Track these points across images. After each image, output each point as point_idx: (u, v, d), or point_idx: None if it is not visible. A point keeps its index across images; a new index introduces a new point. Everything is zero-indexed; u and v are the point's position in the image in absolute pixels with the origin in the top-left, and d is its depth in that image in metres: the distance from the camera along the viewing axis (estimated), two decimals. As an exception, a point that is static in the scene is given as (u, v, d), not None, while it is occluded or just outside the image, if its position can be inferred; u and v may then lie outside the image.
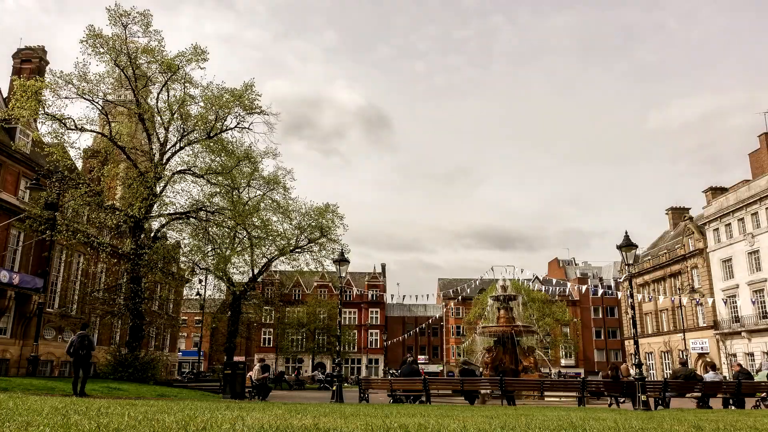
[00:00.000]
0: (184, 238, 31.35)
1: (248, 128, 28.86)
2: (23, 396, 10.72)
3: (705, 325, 50.60)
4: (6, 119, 27.92)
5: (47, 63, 34.98)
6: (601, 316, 79.31)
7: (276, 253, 33.68)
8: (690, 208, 59.70)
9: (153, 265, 28.90)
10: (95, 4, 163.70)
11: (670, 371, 52.09)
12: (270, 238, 32.60)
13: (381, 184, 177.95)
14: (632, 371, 18.70)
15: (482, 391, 20.11)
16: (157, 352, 42.17)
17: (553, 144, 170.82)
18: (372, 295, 77.70)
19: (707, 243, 50.71)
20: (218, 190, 29.25)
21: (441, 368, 74.69)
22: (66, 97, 24.89)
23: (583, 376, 60.55)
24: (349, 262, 21.49)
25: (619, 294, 68.52)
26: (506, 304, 30.30)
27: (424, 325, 73.08)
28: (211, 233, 30.19)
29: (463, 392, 19.16)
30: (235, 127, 28.69)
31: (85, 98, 25.32)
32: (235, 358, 36.12)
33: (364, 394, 20.13)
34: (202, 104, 27.73)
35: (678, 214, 60.92)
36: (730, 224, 47.99)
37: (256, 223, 30.92)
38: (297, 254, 34.15)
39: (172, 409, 8.10)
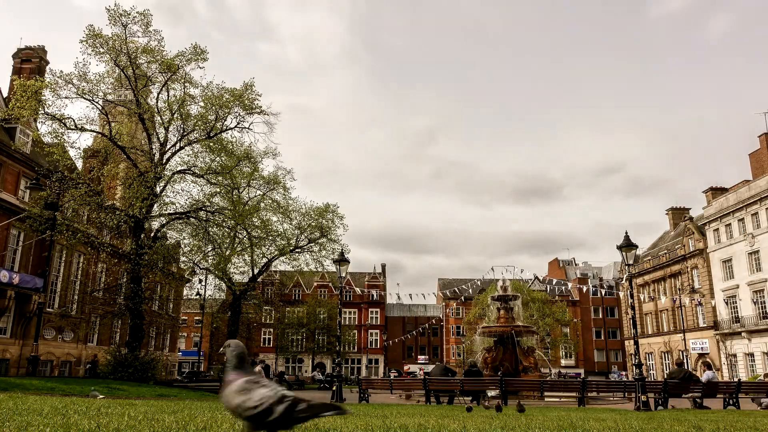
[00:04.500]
0: (184, 238, 31.37)
1: (248, 128, 28.88)
2: (23, 396, 10.71)
3: (705, 325, 50.59)
4: (6, 119, 27.91)
5: (47, 63, 35.01)
6: (601, 316, 79.29)
7: (276, 253, 33.67)
8: (690, 208, 59.78)
9: (153, 265, 28.89)
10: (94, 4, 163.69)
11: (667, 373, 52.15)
12: (270, 238, 32.60)
13: (382, 181, 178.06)
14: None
15: (489, 393, 20.47)
16: (157, 352, 42.16)
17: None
18: (372, 295, 77.66)
19: (707, 243, 50.70)
20: (218, 190, 29.23)
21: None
22: (66, 97, 24.89)
23: (583, 376, 60.61)
24: (349, 262, 21.50)
25: (620, 294, 68.52)
26: (506, 304, 30.30)
27: (426, 324, 73.08)
28: (211, 233, 30.17)
29: (464, 392, 19.41)
30: (235, 127, 28.70)
31: (85, 98, 25.31)
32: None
33: (364, 394, 20.16)
34: (202, 104, 27.74)
35: (678, 214, 60.92)
36: (730, 224, 47.97)
37: (256, 223, 30.92)
38: (297, 254, 34.15)
39: (172, 409, 8.10)
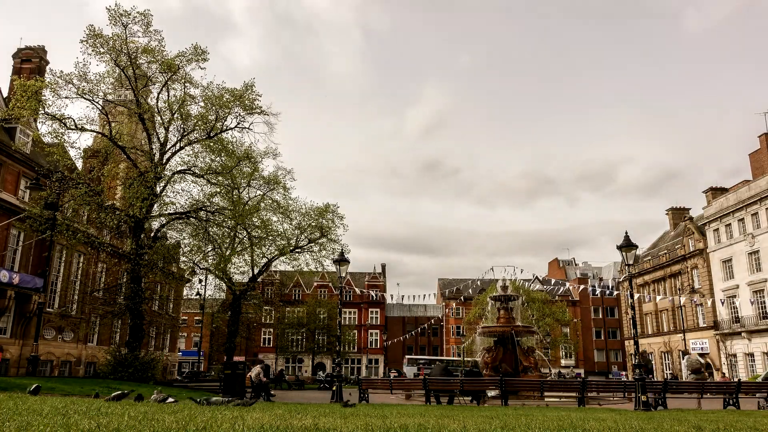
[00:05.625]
0: (184, 238, 31.39)
1: (248, 128, 28.88)
2: (23, 396, 10.72)
3: (705, 325, 50.58)
4: (6, 119, 27.91)
5: (47, 63, 35.01)
6: (601, 316, 79.29)
7: (276, 253, 33.68)
8: (690, 209, 59.75)
9: (153, 265, 28.89)
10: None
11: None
12: (270, 238, 32.62)
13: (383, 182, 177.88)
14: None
15: (489, 393, 20.58)
16: (157, 352, 42.18)
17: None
18: (372, 295, 77.64)
19: (707, 243, 50.69)
20: (218, 190, 29.25)
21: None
22: (66, 97, 24.91)
23: (583, 376, 60.66)
24: (349, 262, 21.48)
25: (620, 294, 68.51)
26: (506, 304, 30.29)
27: (426, 325, 73.13)
28: (211, 233, 30.19)
29: (464, 392, 19.50)
30: (235, 127, 28.71)
31: (85, 98, 25.32)
32: (235, 358, 36.12)
33: (364, 394, 20.17)
34: (202, 104, 27.75)
35: (678, 214, 60.91)
36: (730, 224, 47.97)
37: (256, 223, 30.93)
38: (297, 254, 34.15)
39: (172, 409, 8.10)
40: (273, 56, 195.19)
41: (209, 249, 31.38)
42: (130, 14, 25.23)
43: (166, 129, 27.74)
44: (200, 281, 40.02)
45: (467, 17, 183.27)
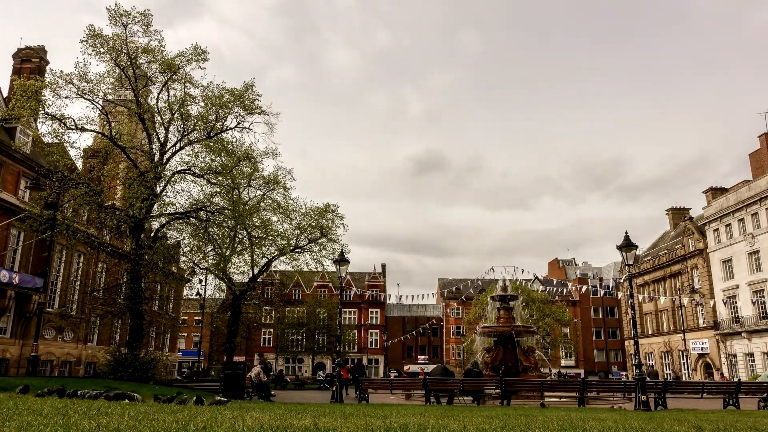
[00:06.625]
0: (184, 238, 31.38)
1: (248, 128, 28.85)
2: (23, 396, 10.71)
3: (705, 325, 50.59)
4: (6, 119, 27.92)
5: (47, 63, 35.02)
6: (601, 316, 79.28)
7: (276, 253, 33.66)
8: (690, 209, 59.76)
9: (153, 265, 28.87)
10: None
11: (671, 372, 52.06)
12: (270, 238, 32.60)
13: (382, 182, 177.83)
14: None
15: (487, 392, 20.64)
16: (157, 352, 42.17)
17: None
18: (372, 295, 77.67)
19: (707, 243, 50.69)
20: (218, 190, 29.22)
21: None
22: (66, 97, 24.85)
23: (583, 376, 60.65)
24: (349, 262, 21.48)
25: (619, 294, 68.54)
26: (506, 305, 30.31)
27: (427, 324, 73.11)
28: (211, 233, 30.18)
29: (464, 392, 19.54)
30: (236, 127, 28.67)
31: (85, 98, 25.28)
32: (235, 358, 36.12)
33: (364, 394, 20.17)
34: (202, 104, 27.70)
35: (678, 214, 60.92)
36: (730, 224, 47.98)
37: (256, 223, 30.92)
38: (297, 254, 34.12)
39: (172, 409, 8.10)
40: (268, 53, 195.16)
41: (209, 249, 31.38)
42: (130, 14, 25.20)
43: (166, 129, 27.72)
44: (200, 281, 40.04)
45: (467, 15, 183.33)
